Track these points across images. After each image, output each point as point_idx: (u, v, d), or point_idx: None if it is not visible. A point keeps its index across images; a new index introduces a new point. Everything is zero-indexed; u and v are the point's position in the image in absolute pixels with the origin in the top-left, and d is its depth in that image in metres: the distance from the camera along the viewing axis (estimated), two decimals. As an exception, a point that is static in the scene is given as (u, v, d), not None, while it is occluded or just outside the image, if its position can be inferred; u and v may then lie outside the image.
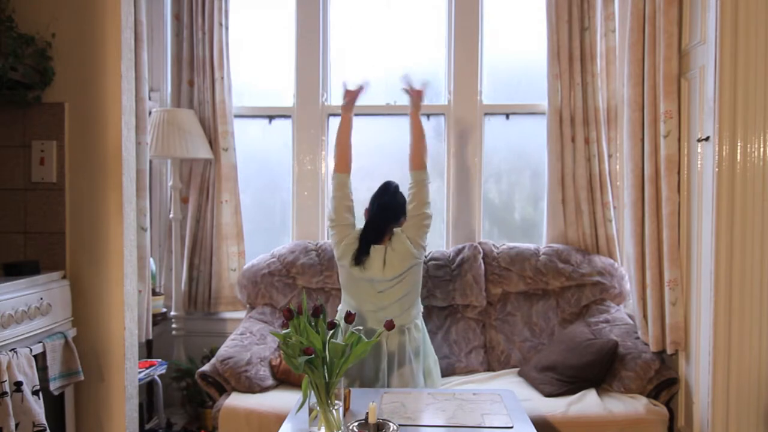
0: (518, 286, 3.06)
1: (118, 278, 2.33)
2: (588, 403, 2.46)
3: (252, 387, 2.59)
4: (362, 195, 3.51)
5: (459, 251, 3.12)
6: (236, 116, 3.40)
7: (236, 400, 2.53)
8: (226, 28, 3.33)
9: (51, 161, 2.31)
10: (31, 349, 2.02)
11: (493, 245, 3.18)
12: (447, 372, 2.88)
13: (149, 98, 3.08)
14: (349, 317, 1.97)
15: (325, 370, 1.82)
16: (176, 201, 3.31)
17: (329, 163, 3.46)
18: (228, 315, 3.41)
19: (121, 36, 2.30)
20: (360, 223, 2.62)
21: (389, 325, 1.96)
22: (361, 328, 2.20)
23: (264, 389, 2.62)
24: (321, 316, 1.91)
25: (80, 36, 2.31)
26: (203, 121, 3.31)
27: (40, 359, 2.08)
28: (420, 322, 2.59)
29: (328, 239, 3.29)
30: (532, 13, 3.36)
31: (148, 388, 3.12)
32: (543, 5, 3.19)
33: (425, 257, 2.60)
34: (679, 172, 2.55)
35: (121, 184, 2.32)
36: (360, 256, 2.48)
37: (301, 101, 3.43)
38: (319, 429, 1.81)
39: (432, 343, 2.93)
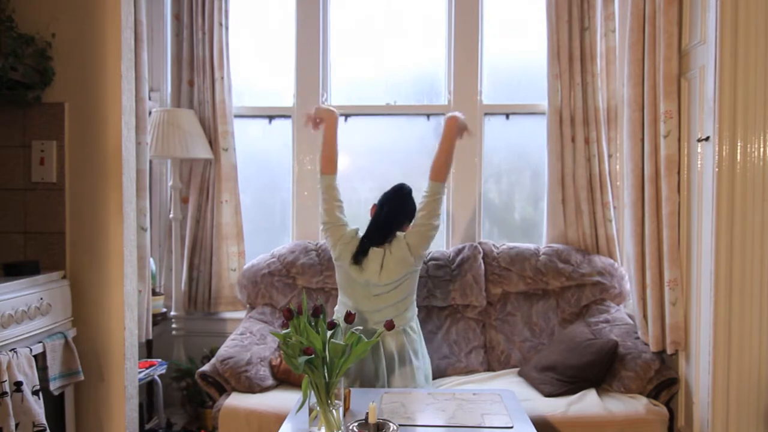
0: (518, 286, 3.06)
1: (118, 278, 2.33)
2: (588, 403, 2.46)
3: (252, 387, 2.59)
4: (362, 195, 3.53)
5: (459, 251, 3.12)
6: (236, 116, 3.40)
7: (236, 400, 2.53)
8: (226, 28, 3.33)
9: (51, 161, 2.31)
10: (31, 349, 2.02)
11: (493, 245, 3.18)
12: (447, 372, 2.88)
13: (149, 98, 3.08)
14: (349, 317, 1.97)
15: (325, 370, 1.82)
16: (176, 201, 3.31)
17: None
18: (228, 315, 3.41)
19: (121, 36, 2.30)
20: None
21: (389, 325, 1.96)
22: (360, 327, 2.20)
23: (264, 389, 2.62)
24: (321, 316, 1.91)
25: (80, 36, 2.31)
26: (203, 121, 3.31)
27: (40, 359, 2.08)
28: (415, 324, 2.59)
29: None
30: (532, 13, 3.36)
31: (148, 388, 3.12)
32: (543, 5, 3.19)
33: (425, 257, 2.60)
34: (679, 172, 2.55)
35: (121, 184, 2.32)
36: (358, 256, 2.48)
37: (301, 101, 3.43)
38: (319, 429, 1.81)
39: (432, 343, 2.94)
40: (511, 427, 1.92)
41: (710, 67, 2.27)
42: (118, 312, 2.33)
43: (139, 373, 2.71)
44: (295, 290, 3.10)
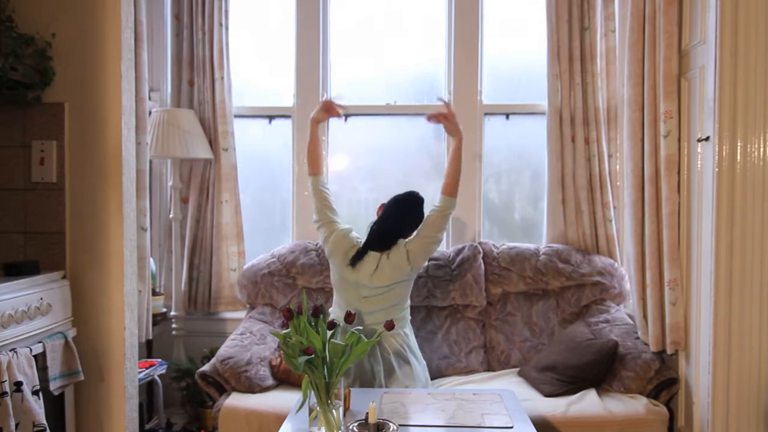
0: (518, 286, 3.06)
1: (118, 278, 2.33)
2: (588, 403, 2.46)
3: (252, 387, 2.59)
4: (362, 195, 3.53)
5: (459, 251, 3.12)
6: (236, 116, 3.40)
7: (236, 400, 2.53)
8: (226, 28, 3.33)
9: (51, 161, 2.31)
10: (31, 349, 2.02)
11: (493, 245, 3.18)
12: (447, 372, 2.88)
13: (149, 98, 3.08)
14: (349, 317, 1.97)
15: (325, 370, 1.82)
16: (176, 201, 3.31)
17: (329, 163, 3.46)
18: (228, 315, 3.41)
19: (121, 36, 2.30)
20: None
21: (389, 326, 1.96)
22: (360, 327, 2.21)
23: (264, 389, 2.62)
24: (321, 316, 1.91)
25: (80, 36, 2.31)
26: (203, 121, 3.31)
27: (40, 359, 2.08)
28: (408, 330, 2.60)
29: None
30: (532, 13, 3.36)
31: (148, 388, 3.12)
32: (543, 5, 3.19)
33: (421, 268, 2.61)
34: (679, 172, 2.55)
35: (121, 184, 2.32)
36: (355, 259, 2.48)
37: (301, 101, 3.43)
38: (319, 429, 1.81)
39: (432, 343, 2.95)
40: (511, 427, 1.92)
41: (710, 67, 2.27)
42: (118, 312, 2.33)
43: (139, 373, 2.71)
44: (295, 290, 3.10)
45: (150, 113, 3.10)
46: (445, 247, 3.34)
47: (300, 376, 2.13)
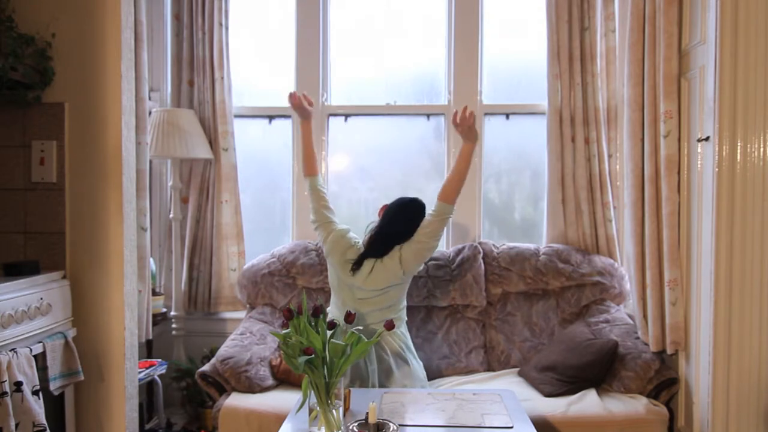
0: (518, 286, 3.06)
1: (118, 278, 2.33)
2: (588, 403, 2.46)
3: (252, 387, 2.59)
4: (362, 195, 3.53)
5: (459, 251, 3.12)
6: (236, 116, 3.40)
7: (236, 400, 2.53)
8: (226, 28, 3.33)
9: (51, 161, 2.31)
10: (31, 349, 2.02)
11: (493, 245, 3.18)
12: (447, 372, 2.88)
13: (149, 98, 3.08)
14: (349, 317, 1.97)
15: (325, 370, 1.82)
16: (176, 201, 3.31)
17: (329, 163, 3.47)
18: (228, 315, 3.41)
19: (121, 36, 2.30)
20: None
21: (389, 325, 1.96)
22: (360, 327, 2.21)
23: (264, 389, 2.62)
24: (321, 316, 1.91)
25: (80, 36, 2.31)
26: (203, 121, 3.31)
27: (40, 359, 2.08)
28: (404, 330, 2.61)
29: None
30: (532, 13, 3.36)
31: (148, 388, 3.12)
32: (543, 5, 3.19)
33: (415, 272, 2.63)
34: (679, 172, 2.55)
35: (121, 184, 2.32)
36: (356, 266, 2.49)
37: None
38: (319, 429, 1.81)
39: (432, 343, 2.95)
40: (511, 427, 1.92)
41: (710, 67, 2.27)
42: (118, 312, 2.33)
43: (139, 373, 2.71)
44: (295, 290, 3.10)
45: (150, 113, 3.10)
46: (445, 247, 3.34)
47: (300, 376, 2.13)
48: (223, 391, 2.63)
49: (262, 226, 3.59)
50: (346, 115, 3.47)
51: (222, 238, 3.31)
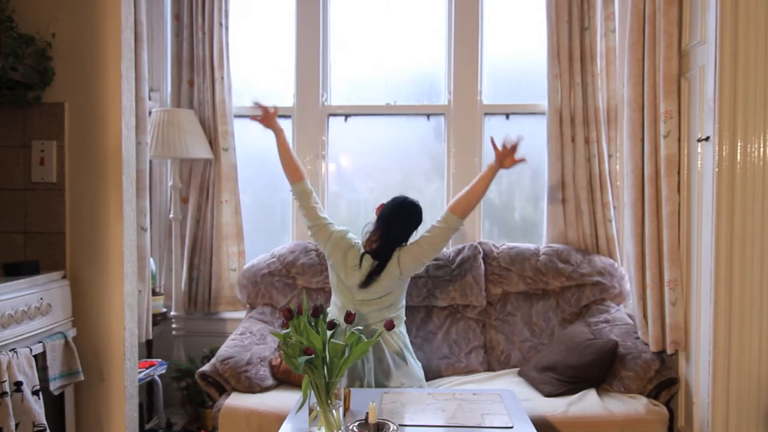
0: (518, 286, 3.06)
1: (118, 278, 2.33)
2: (588, 403, 2.46)
3: (252, 387, 2.59)
4: (362, 195, 3.53)
5: (459, 251, 3.12)
6: (236, 116, 3.40)
7: (236, 400, 2.53)
8: (226, 28, 3.33)
9: (51, 161, 2.31)
10: (31, 349, 2.02)
11: (493, 245, 3.18)
12: (447, 372, 2.88)
13: (149, 98, 3.08)
14: (349, 317, 1.97)
15: (325, 370, 1.82)
16: (176, 201, 3.31)
17: (329, 163, 3.47)
18: (228, 315, 3.41)
19: (121, 36, 2.30)
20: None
21: (389, 325, 1.97)
22: (360, 327, 2.21)
23: (264, 389, 2.62)
24: (321, 316, 1.91)
25: (80, 36, 2.31)
26: (203, 121, 3.31)
27: (40, 359, 2.08)
28: (403, 329, 2.62)
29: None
30: (532, 13, 3.36)
31: (148, 388, 3.12)
32: (543, 5, 3.19)
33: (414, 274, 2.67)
34: (679, 172, 2.55)
35: (121, 184, 2.32)
36: (368, 281, 2.50)
37: (301, 101, 3.43)
38: (319, 429, 1.81)
39: (432, 343, 2.95)
40: (511, 427, 1.92)
41: (710, 67, 2.27)
42: (118, 312, 2.33)
43: (139, 373, 2.71)
44: (295, 290, 3.10)
45: (150, 113, 3.10)
46: (445, 247, 3.33)
47: (300, 376, 2.13)
48: (223, 391, 2.63)
49: (262, 226, 3.59)
50: (346, 115, 3.47)
51: (222, 238, 3.31)
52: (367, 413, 1.81)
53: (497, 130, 3.42)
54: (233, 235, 3.34)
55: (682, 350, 2.59)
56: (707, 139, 2.31)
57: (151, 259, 3.02)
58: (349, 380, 2.46)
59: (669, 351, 2.58)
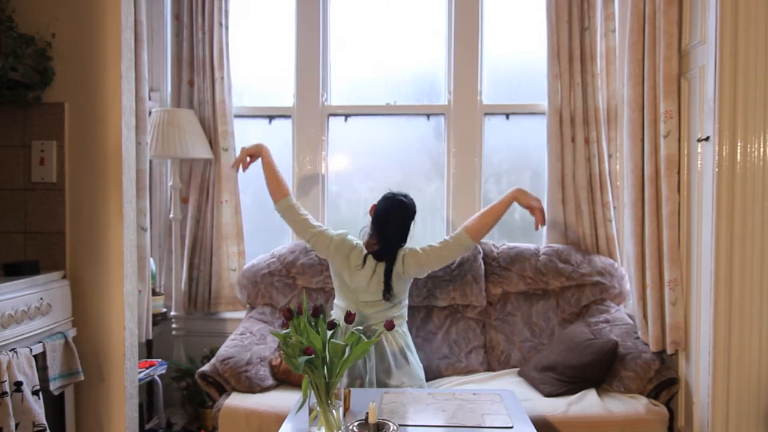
0: (518, 286, 3.06)
1: (118, 278, 2.33)
2: (588, 403, 2.46)
3: (252, 387, 2.59)
4: (363, 195, 3.53)
5: (459, 251, 3.11)
6: (236, 116, 3.40)
7: (236, 400, 2.53)
8: (226, 28, 3.33)
9: (51, 161, 2.31)
10: (31, 349, 2.02)
11: (493, 245, 3.18)
12: (447, 372, 2.88)
13: (149, 98, 3.08)
14: (349, 317, 1.98)
15: (325, 370, 1.82)
16: (176, 201, 3.31)
17: (329, 163, 3.47)
18: (228, 315, 3.41)
19: (121, 36, 2.30)
20: (361, 221, 2.63)
21: (389, 325, 1.96)
22: (360, 327, 2.21)
23: (264, 389, 2.62)
24: (321, 316, 1.91)
25: (80, 36, 2.31)
26: (203, 121, 3.31)
27: (40, 359, 2.08)
28: (406, 329, 2.62)
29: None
30: (532, 13, 3.36)
31: (148, 388, 3.12)
32: (543, 5, 3.19)
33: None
34: (679, 172, 2.55)
35: (121, 184, 2.32)
36: (387, 292, 2.51)
37: (301, 101, 3.43)
38: (319, 429, 1.81)
39: (432, 343, 2.95)
40: (511, 427, 1.92)
41: (710, 67, 2.27)
42: (118, 312, 2.33)
43: (139, 373, 2.71)
44: (295, 290, 3.10)
45: (150, 113, 3.10)
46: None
47: (300, 376, 2.13)
48: (223, 391, 2.63)
49: (262, 226, 3.59)
50: (346, 115, 3.47)
51: (222, 238, 3.31)
52: (367, 413, 1.81)
53: (497, 130, 3.43)
54: (233, 235, 3.34)
55: (682, 350, 2.59)
56: (707, 139, 2.31)
57: (151, 259, 3.02)
58: (349, 378, 2.47)
59: (669, 351, 2.58)
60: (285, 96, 3.49)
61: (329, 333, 1.88)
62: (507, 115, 3.42)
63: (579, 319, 2.96)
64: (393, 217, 2.56)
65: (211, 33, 3.30)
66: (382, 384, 2.47)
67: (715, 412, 2.27)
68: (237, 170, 2.75)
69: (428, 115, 3.45)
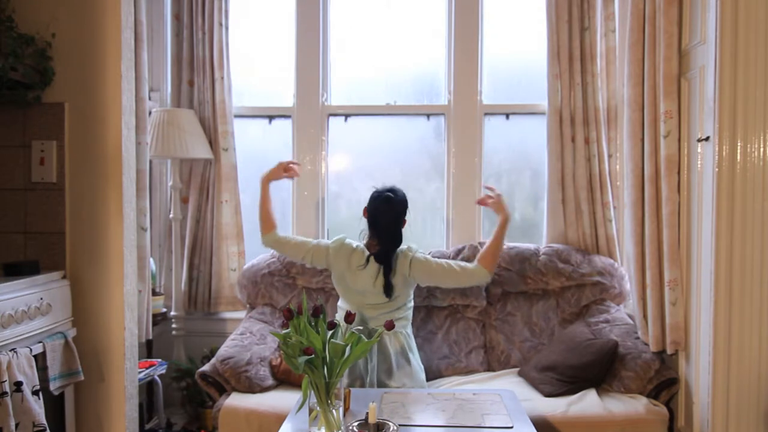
0: (518, 286, 3.06)
1: (118, 278, 2.33)
2: (588, 403, 2.46)
3: (252, 387, 2.59)
4: (363, 195, 3.52)
5: (459, 251, 3.11)
6: (236, 116, 3.40)
7: (236, 400, 2.53)
8: (226, 28, 3.33)
9: (51, 161, 2.31)
10: (31, 349, 2.02)
11: (493, 245, 3.18)
12: (447, 372, 2.88)
13: (149, 98, 3.08)
14: (349, 317, 1.97)
15: (325, 370, 1.82)
16: (176, 201, 3.31)
17: (329, 163, 3.47)
18: (228, 315, 3.41)
19: (121, 36, 2.30)
20: (360, 221, 2.63)
21: (389, 325, 1.97)
22: (360, 327, 2.22)
23: (264, 389, 2.62)
24: (321, 316, 1.91)
25: (80, 36, 2.31)
26: (203, 121, 3.31)
27: (40, 359, 2.08)
28: (408, 331, 2.62)
29: (328, 239, 3.29)
30: (532, 13, 3.36)
31: (148, 388, 3.12)
32: (543, 5, 3.19)
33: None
34: (679, 172, 2.55)
35: (121, 184, 2.32)
36: (388, 290, 2.51)
37: (301, 101, 3.43)
38: (319, 429, 1.81)
39: (432, 343, 2.95)
40: (511, 427, 1.92)
41: (710, 67, 2.27)
42: (118, 312, 2.33)
43: (139, 373, 2.71)
44: (295, 290, 3.10)
45: (150, 113, 3.09)
46: (445, 247, 3.34)
47: (300, 376, 2.12)
48: (223, 391, 2.63)
49: (262, 226, 3.59)
50: (346, 115, 3.47)
51: (222, 238, 3.31)
52: (367, 413, 1.81)
53: (497, 130, 3.43)
54: (233, 235, 3.34)
55: (682, 350, 2.59)
56: (707, 139, 2.31)
57: (151, 259, 3.02)
58: (350, 379, 2.47)
59: (669, 351, 2.58)
60: (285, 96, 3.49)
61: (329, 333, 1.88)
62: (507, 115, 3.42)
63: (579, 319, 2.96)
64: (383, 215, 2.55)
65: (211, 33, 3.30)
66: (382, 385, 2.47)
67: (715, 412, 2.27)
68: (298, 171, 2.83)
69: (428, 115, 3.45)
